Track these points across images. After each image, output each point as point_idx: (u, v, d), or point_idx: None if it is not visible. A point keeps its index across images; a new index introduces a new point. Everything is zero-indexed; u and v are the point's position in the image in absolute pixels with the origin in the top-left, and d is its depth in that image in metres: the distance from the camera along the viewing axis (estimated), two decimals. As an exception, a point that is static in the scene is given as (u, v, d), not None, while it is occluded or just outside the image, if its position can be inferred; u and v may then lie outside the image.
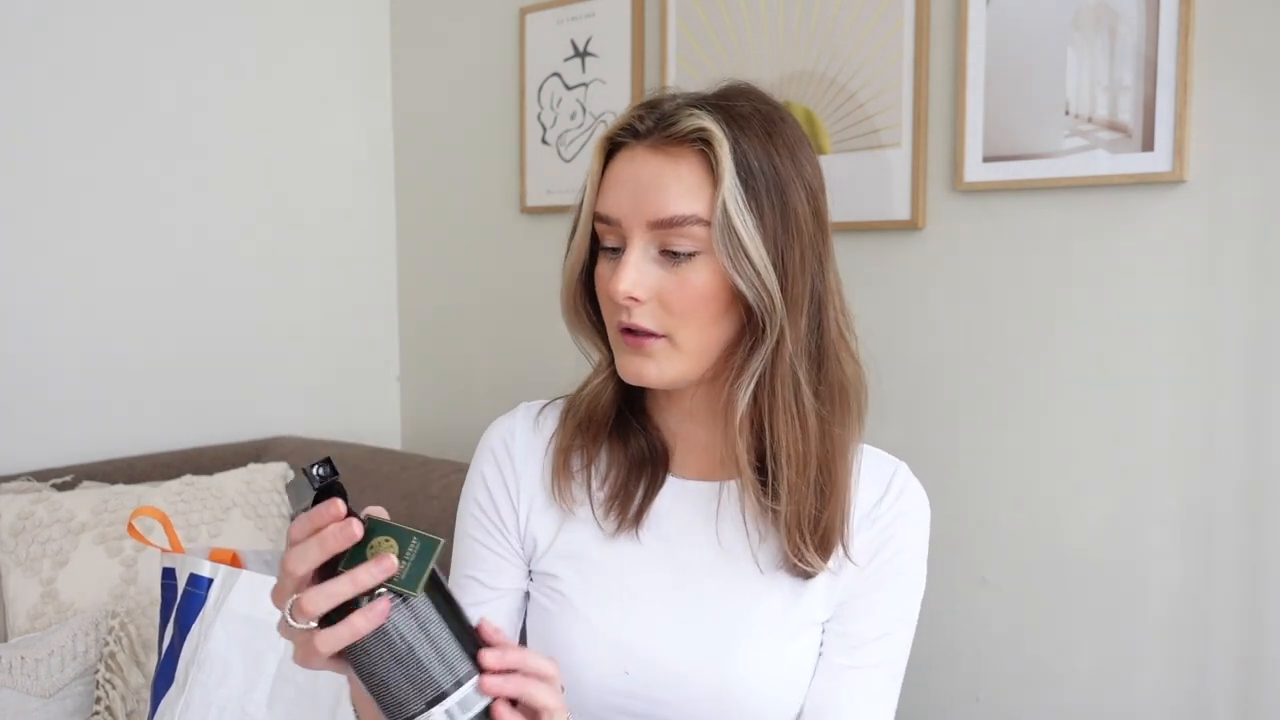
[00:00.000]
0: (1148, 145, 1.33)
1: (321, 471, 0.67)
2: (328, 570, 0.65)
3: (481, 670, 0.66)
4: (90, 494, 1.64)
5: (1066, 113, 1.39)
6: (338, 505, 0.65)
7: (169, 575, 1.20)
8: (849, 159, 1.59)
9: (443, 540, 0.66)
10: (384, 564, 0.64)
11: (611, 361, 0.89)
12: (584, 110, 1.94)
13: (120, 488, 1.70)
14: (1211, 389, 1.33)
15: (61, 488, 1.70)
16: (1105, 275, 1.40)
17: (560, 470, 0.91)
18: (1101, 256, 1.40)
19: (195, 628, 1.15)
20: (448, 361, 2.27)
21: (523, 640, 0.96)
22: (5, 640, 1.54)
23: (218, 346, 2.04)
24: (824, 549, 0.85)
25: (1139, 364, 1.38)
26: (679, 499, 0.90)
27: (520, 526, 0.93)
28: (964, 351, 1.52)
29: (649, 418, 0.93)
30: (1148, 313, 1.37)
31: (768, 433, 0.83)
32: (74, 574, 1.57)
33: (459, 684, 0.65)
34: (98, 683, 1.47)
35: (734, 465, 0.85)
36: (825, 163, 1.59)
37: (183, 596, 1.18)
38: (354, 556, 0.65)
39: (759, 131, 0.81)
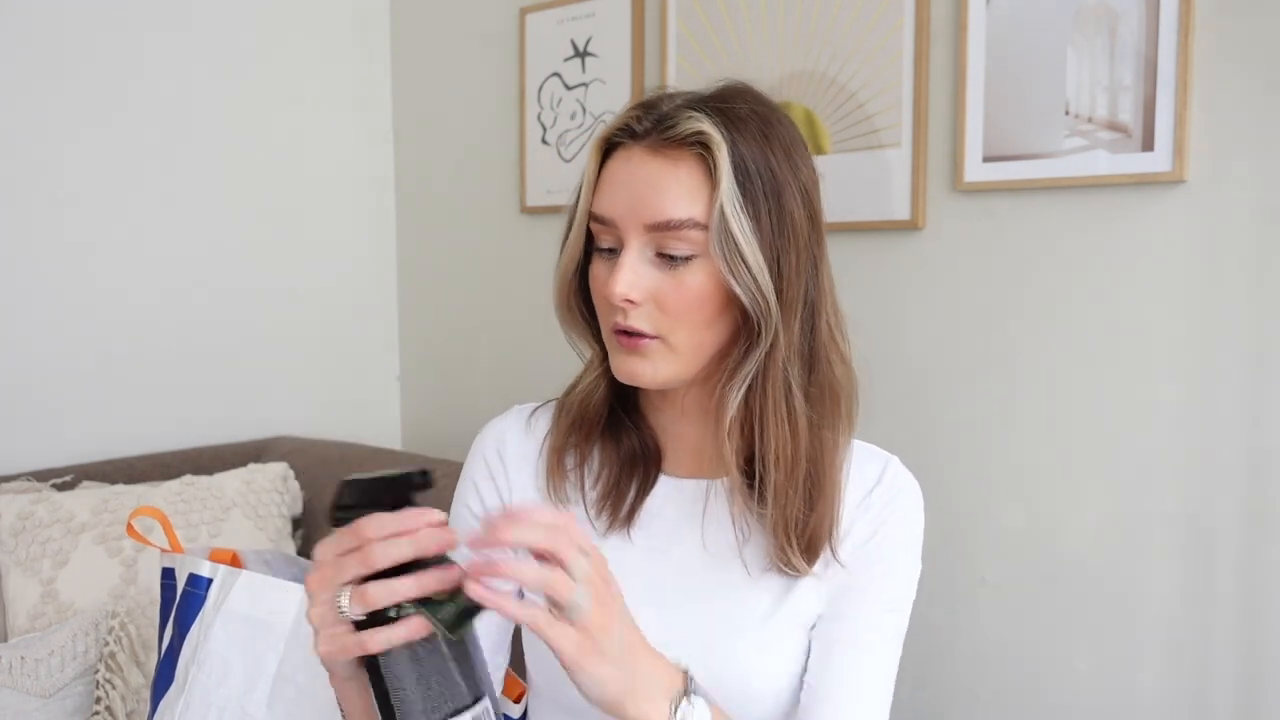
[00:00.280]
0: (1148, 145, 1.33)
1: (423, 478, 0.67)
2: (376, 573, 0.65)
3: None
4: (90, 494, 1.64)
5: (1066, 113, 1.39)
6: (435, 513, 0.66)
7: (168, 575, 1.20)
8: (849, 159, 1.59)
9: None
10: (453, 573, 0.65)
11: (603, 359, 0.89)
12: (584, 110, 1.94)
13: (120, 488, 1.70)
14: (1211, 388, 1.33)
15: (61, 488, 1.70)
16: (1105, 275, 1.40)
17: (554, 470, 0.91)
18: (1101, 256, 1.40)
19: (195, 628, 1.15)
20: (448, 361, 2.27)
21: (517, 640, 0.96)
22: (5, 640, 1.54)
23: (218, 347, 2.04)
24: (810, 553, 0.85)
25: (1139, 364, 1.38)
26: (670, 498, 0.90)
27: None
28: (964, 351, 1.52)
29: (642, 416, 0.92)
30: (1148, 313, 1.37)
31: (757, 435, 0.83)
32: (74, 574, 1.57)
33: (477, 699, 0.66)
34: (98, 683, 1.47)
35: (722, 465, 0.85)
36: (825, 163, 1.61)
37: (182, 596, 1.17)
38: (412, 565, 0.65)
39: (756, 134, 0.81)
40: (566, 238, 0.87)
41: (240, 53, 2.05)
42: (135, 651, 1.50)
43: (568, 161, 1.98)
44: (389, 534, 0.64)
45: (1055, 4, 1.39)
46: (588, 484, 0.91)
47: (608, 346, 0.86)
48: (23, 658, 1.43)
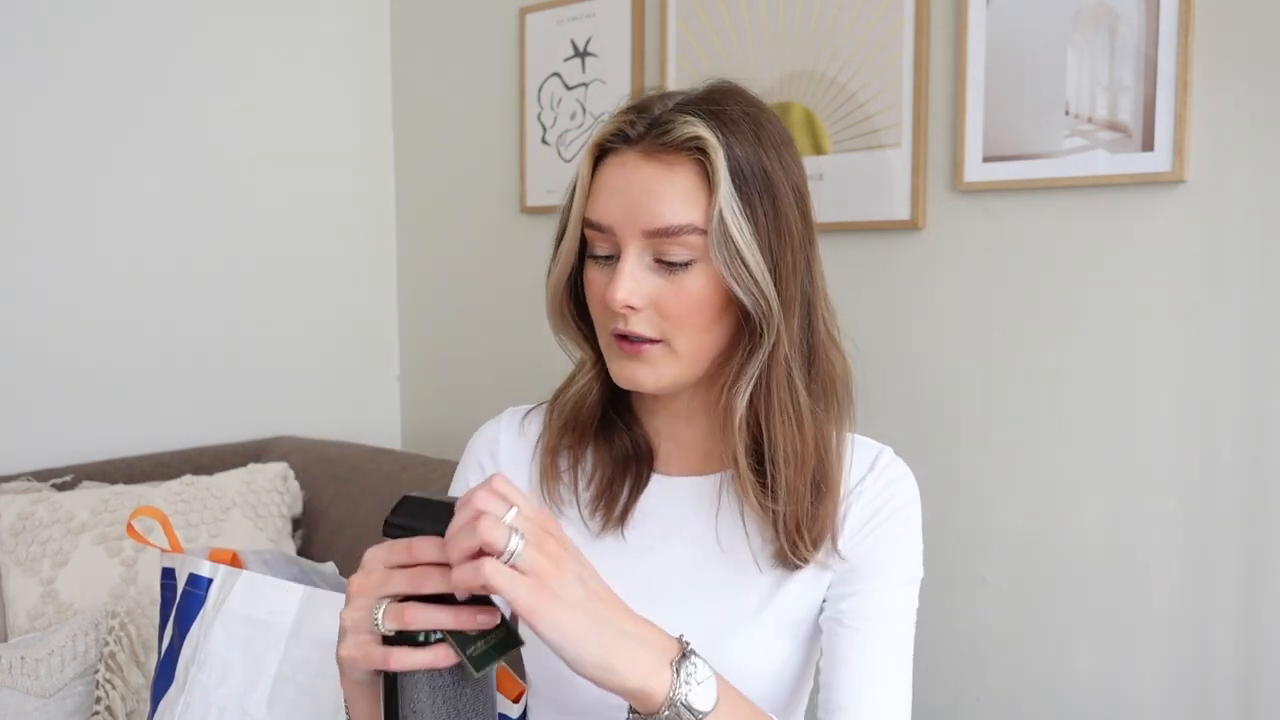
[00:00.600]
0: (1148, 145, 1.33)
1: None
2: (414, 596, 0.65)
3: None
4: (90, 494, 1.64)
5: (1066, 113, 1.39)
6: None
7: (168, 575, 1.20)
8: (849, 159, 1.59)
9: (525, 643, 0.67)
10: (491, 615, 0.65)
11: (596, 361, 0.88)
12: (584, 110, 1.94)
13: (120, 488, 1.70)
14: (1211, 388, 1.33)
15: (61, 488, 1.70)
16: (1105, 275, 1.40)
17: (547, 471, 0.91)
18: (1101, 256, 1.40)
19: (195, 628, 1.15)
20: (448, 361, 2.27)
21: None
22: (5, 640, 1.55)
23: (218, 347, 2.04)
24: (817, 543, 0.85)
25: (1139, 364, 1.38)
26: (664, 496, 0.90)
27: None
28: (964, 351, 1.52)
29: (635, 417, 0.93)
30: (1148, 312, 1.37)
31: (764, 434, 0.83)
32: (74, 574, 1.57)
33: None
34: (98, 683, 1.47)
35: (719, 461, 0.86)
36: (825, 163, 1.61)
37: (182, 596, 1.17)
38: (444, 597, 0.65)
39: (749, 135, 0.80)
40: (559, 243, 0.87)
41: (240, 56, 2.05)
42: (135, 651, 1.50)
43: (568, 161, 1.98)
44: (442, 562, 0.64)
45: (1055, 4, 1.39)
46: (581, 485, 0.92)
47: (605, 352, 0.86)
48: (23, 658, 1.44)
